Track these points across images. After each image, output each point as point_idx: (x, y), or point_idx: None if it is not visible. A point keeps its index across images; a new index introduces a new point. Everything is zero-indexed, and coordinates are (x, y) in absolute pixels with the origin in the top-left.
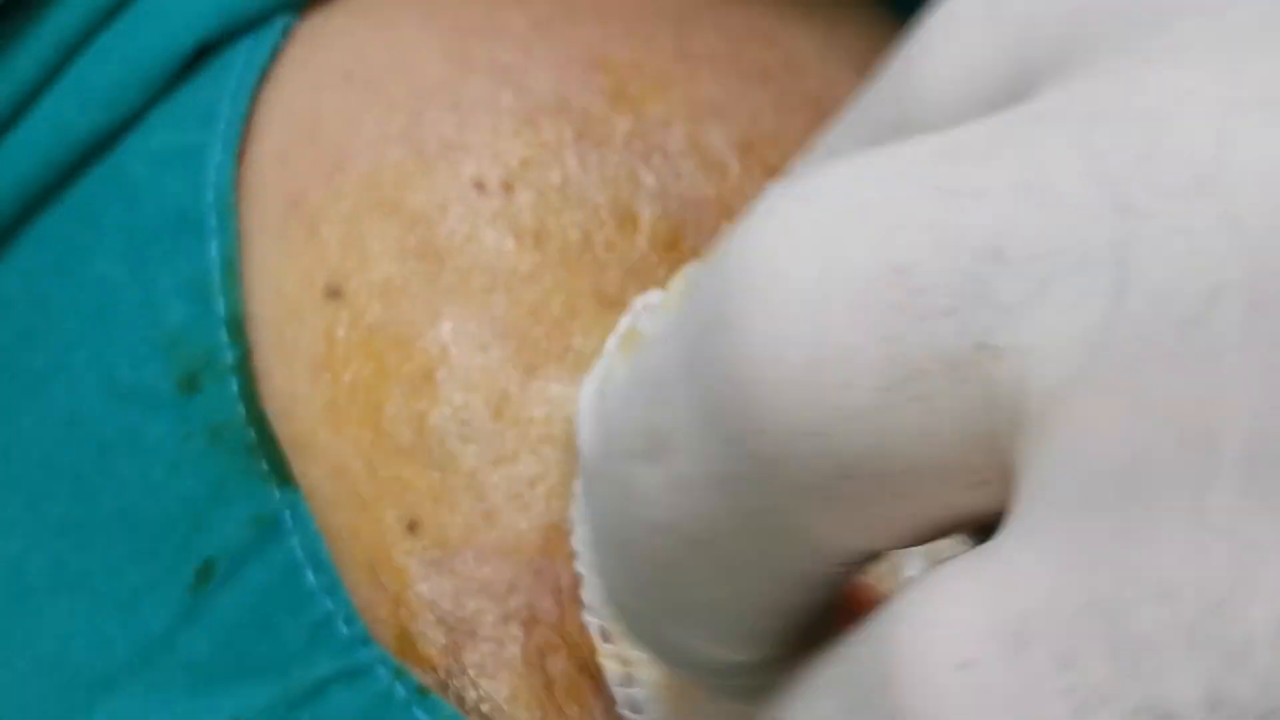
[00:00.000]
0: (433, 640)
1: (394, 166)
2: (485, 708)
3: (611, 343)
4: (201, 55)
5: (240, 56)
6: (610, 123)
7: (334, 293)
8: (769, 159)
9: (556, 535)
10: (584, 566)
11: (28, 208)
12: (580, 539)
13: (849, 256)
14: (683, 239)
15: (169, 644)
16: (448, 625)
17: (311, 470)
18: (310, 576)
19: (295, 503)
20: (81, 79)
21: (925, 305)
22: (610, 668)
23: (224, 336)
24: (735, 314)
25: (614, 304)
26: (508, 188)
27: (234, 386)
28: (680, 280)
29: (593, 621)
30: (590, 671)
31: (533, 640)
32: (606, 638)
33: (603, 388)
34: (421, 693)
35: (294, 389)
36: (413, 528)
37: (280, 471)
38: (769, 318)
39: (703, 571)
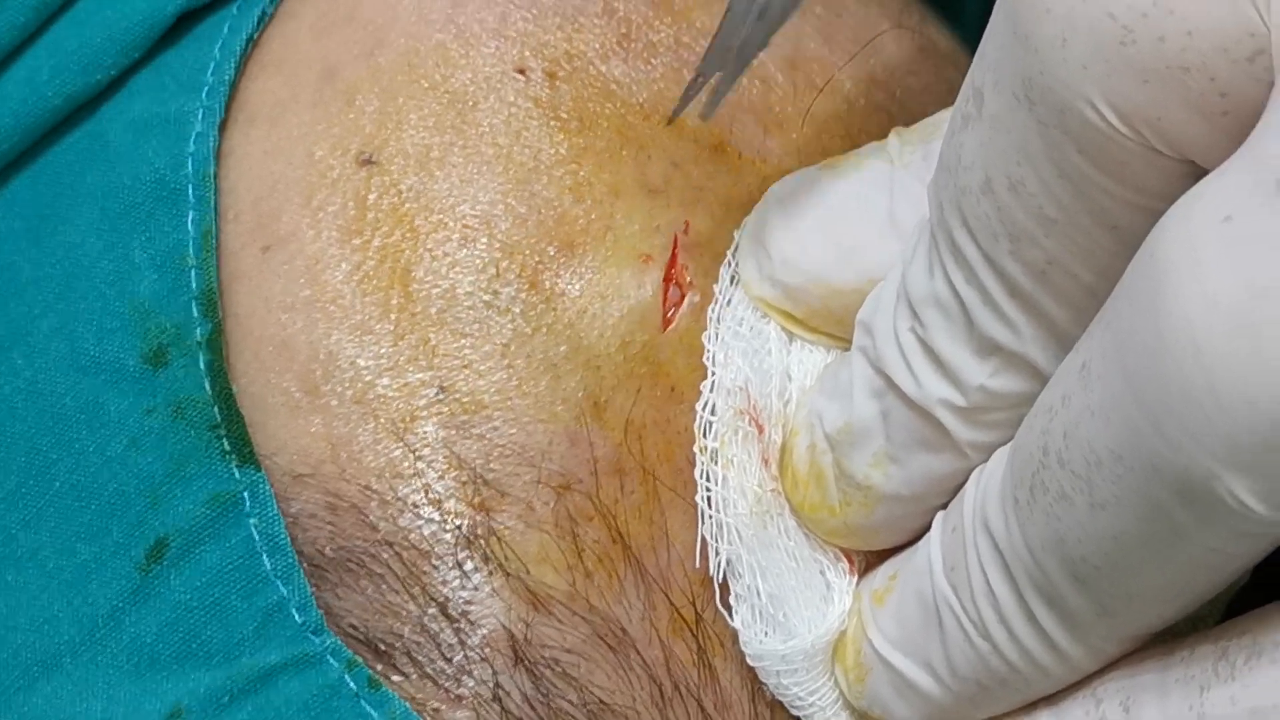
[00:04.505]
0: (460, 497)
1: (435, 48)
2: (512, 567)
3: None
4: (185, 20)
5: (226, 22)
6: (656, 29)
7: (366, 160)
8: (814, 78)
9: (592, 408)
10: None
11: None
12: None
13: None
14: (728, 142)
15: (116, 624)
16: (476, 485)
17: (335, 332)
18: (266, 561)
19: (256, 483)
20: (57, 42)
21: None
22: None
23: (196, 311)
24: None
25: (658, 193)
26: (551, 76)
27: (202, 362)
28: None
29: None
30: (624, 542)
31: (564, 506)
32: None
33: None
34: (372, 685)
35: (323, 252)
36: (442, 390)
37: (242, 451)
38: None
39: None
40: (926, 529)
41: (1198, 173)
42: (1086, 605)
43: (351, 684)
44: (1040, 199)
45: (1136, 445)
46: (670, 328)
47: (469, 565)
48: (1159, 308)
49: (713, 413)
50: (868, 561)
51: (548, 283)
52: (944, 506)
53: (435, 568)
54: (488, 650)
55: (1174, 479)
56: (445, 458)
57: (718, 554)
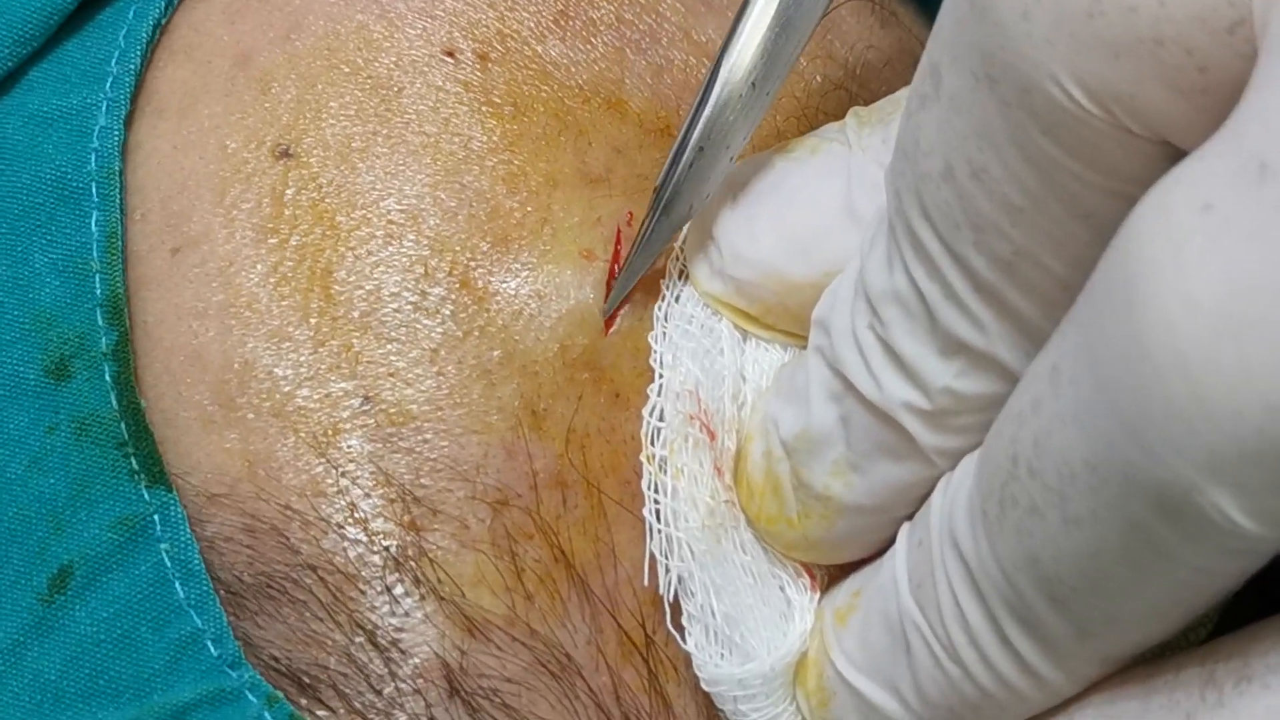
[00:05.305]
0: (388, 515)
1: (357, 30)
2: (446, 590)
3: None
4: (88, 6)
5: (131, 7)
6: (596, 5)
7: (283, 153)
8: None
9: (530, 417)
10: None
11: None
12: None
13: None
14: (675, 125)
15: (16, 659)
16: (405, 502)
17: (250, 340)
18: (179, 589)
19: (168, 505)
20: None
21: None
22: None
23: (100, 319)
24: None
25: (599, 182)
26: (483, 58)
27: (107, 374)
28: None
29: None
30: (566, 561)
31: (501, 523)
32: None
33: None
34: None
35: (237, 253)
36: (366, 400)
37: (152, 470)
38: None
39: None
40: (891, 541)
41: (1174, 154)
42: (1063, 627)
43: None
44: (1005, 186)
45: (1112, 456)
46: (613, 328)
47: (399, 589)
48: (1135, 307)
49: (661, 418)
50: (830, 575)
51: (480, 282)
52: (910, 517)
53: (362, 593)
54: (420, 681)
55: (1154, 492)
56: (371, 473)
57: (668, 571)
